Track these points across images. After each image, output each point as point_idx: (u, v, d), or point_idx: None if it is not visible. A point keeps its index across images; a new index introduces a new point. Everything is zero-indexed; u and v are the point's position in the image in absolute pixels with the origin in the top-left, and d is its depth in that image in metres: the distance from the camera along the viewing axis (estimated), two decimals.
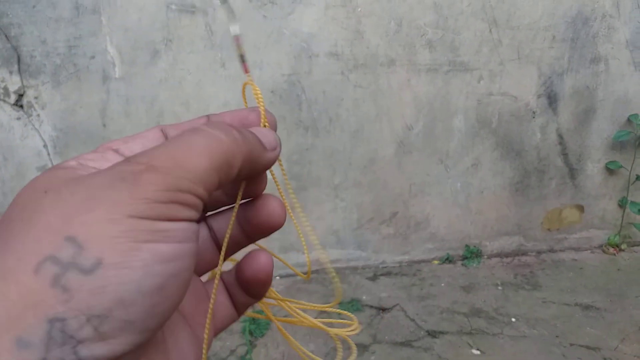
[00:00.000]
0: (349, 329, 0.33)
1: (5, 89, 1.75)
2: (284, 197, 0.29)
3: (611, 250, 2.19)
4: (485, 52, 1.95)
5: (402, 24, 1.88)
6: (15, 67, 1.73)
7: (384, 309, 1.82)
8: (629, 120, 2.08)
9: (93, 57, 1.76)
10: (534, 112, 2.05)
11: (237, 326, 1.71)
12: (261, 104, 0.28)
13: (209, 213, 0.30)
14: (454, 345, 1.61)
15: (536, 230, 2.21)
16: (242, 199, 0.28)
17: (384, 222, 2.09)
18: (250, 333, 1.67)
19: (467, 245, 2.16)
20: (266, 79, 1.86)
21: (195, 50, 1.80)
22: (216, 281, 0.28)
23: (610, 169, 2.14)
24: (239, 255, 0.30)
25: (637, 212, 2.12)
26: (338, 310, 0.32)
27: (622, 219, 2.20)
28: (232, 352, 1.61)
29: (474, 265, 2.12)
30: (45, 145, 1.82)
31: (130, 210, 0.19)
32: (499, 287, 1.95)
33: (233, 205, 0.28)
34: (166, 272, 0.19)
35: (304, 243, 0.29)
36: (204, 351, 0.27)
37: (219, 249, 0.30)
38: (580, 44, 2.00)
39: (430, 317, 1.76)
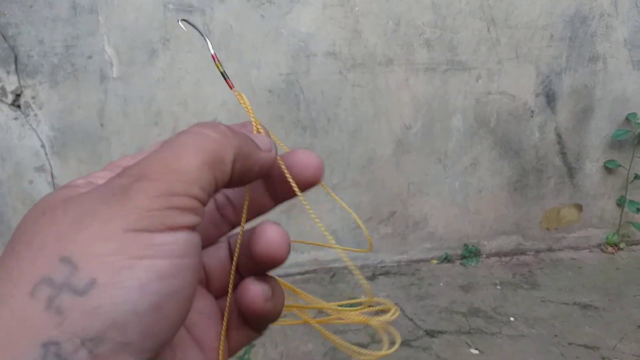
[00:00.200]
0: (390, 314, 0.32)
1: (3, 88, 1.74)
2: (301, 196, 0.27)
3: (610, 249, 2.19)
4: (484, 51, 1.95)
5: (400, 23, 1.87)
6: (13, 66, 1.73)
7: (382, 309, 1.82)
8: (627, 119, 2.08)
9: (90, 57, 1.76)
10: (532, 111, 2.05)
11: None
12: (251, 114, 0.27)
13: (229, 234, 0.29)
14: (452, 344, 1.61)
15: (535, 229, 2.21)
16: (258, 213, 0.27)
17: (382, 221, 2.09)
18: None
19: (465, 245, 2.16)
20: (264, 78, 1.86)
21: (193, 50, 1.79)
22: (228, 304, 0.26)
23: (609, 168, 2.14)
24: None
25: (636, 211, 2.12)
26: (374, 299, 0.30)
27: (621, 218, 2.20)
28: None
29: (473, 264, 2.12)
30: (42, 145, 1.81)
31: (123, 224, 0.18)
32: (498, 287, 1.95)
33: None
34: (164, 290, 0.18)
35: (330, 237, 0.27)
36: None
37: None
38: (578, 43, 2.00)
39: (428, 317, 1.75)
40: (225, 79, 0.28)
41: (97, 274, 0.17)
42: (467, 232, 2.17)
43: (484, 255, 2.18)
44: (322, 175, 0.27)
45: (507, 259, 2.17)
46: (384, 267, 2.12)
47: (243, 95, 0.28)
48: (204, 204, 0.21)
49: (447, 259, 2.15)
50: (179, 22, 0.31)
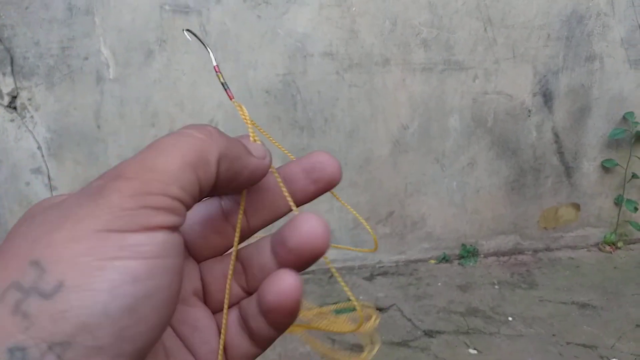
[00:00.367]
0: (371, 321, 0.31)
1: None
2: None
3: (607, 248, 2.19)
4: (480, 51, 1.95)
5: (396, 23, 1.87)
6: (9, 68, 1.72)
7: (380, 309, 1.82)
8: (624, 118, 2.09)
9: (87, 58, 1.75)
10: (529, 111, 2.05)
11: None
12: (249, 125, 0.27)
13: (241, 245, 0.28)
14: (450, 344, 1.60)
15: (532, 229, 2.21)
16: (268, 223, 0.27)
17: (380, 221, 2.08)
18: None
19: (463, 245, 2.16)
20: (261, 79, 1.86)
21: (189, 51, 1.79)
22: (225, 317, 0.25)
23: (606, 167, 2.15)
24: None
25: (633, 210, 2.12)
26: (354, 304, 0.30)
27: (618, 217, 2.21)
28: None
29: (471, 264, 2.12)
30: (39, 147, 1.81)
31: (95, 224, 0.18)
32: (496, 286, 1.95)
33: (266, 235, 0.26)
34: (138, 292, 0.18)
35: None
36: None
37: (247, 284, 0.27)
38: (575, 43, 2.00)
39: (427, 317, 1.75)
40: (225, 89, 0.27)
41: (65, 277, 0.17)
42: (465, 231, 2.17)
43: (482, 255, 2.18)
44: (341, 175, 0.27)
45: (505, 258, 2.17)
46: (382, 267, 2.12)
47: (243, 106, 0.28)
48: (185, 204, 0.20)
49: (445, 259, 2.15)
50: (184, 32, 0.31)
